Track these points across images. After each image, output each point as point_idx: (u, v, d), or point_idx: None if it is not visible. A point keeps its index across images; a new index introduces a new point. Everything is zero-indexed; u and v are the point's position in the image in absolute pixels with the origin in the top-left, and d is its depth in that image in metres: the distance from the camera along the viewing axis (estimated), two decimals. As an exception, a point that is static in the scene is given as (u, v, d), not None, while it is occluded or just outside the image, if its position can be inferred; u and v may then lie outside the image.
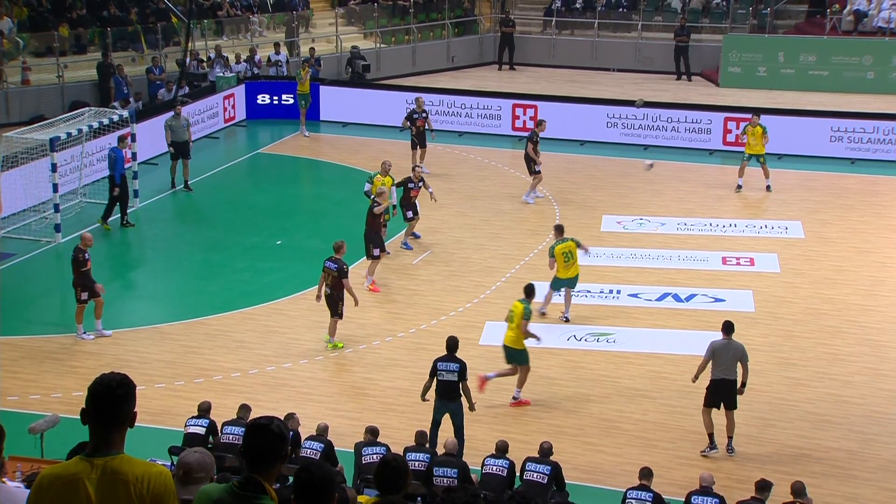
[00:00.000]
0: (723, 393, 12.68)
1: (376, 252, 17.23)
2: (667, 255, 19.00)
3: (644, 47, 33.00)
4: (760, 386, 14.43)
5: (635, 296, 17.31)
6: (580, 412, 13.81)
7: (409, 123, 22.97)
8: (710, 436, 12.79)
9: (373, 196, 17.79)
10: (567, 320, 16.32)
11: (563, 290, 16.39)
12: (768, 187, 22.26)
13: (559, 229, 16.49)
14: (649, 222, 20.65)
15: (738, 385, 12.72)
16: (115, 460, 4.06)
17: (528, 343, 13.89)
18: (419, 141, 22.90)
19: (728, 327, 12.86)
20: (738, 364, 12.73)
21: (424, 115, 23.00)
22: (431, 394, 12.65)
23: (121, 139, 20.31)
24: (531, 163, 21.54)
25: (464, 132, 26.37)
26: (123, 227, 20.20)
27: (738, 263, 18.68)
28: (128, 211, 20.39)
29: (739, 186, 22.31)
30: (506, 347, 13.94)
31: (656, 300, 17.12)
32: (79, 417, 4.20)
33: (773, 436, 13.32)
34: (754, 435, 13.31)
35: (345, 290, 15.12)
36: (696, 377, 12.91)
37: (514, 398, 13.93)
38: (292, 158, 25.09)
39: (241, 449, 4.36)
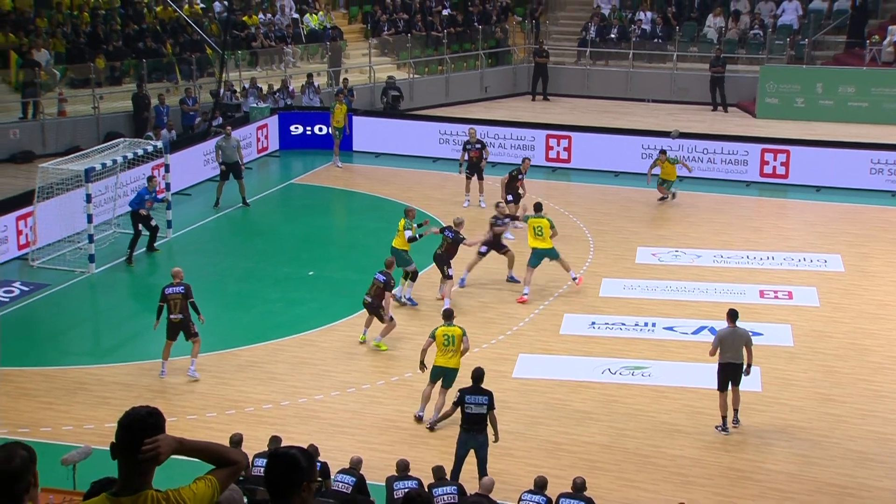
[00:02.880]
0: (731, 374, 13.90)
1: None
2: (703, 287, 18.86)
3: (679, 78, 32.96)
4: (800, 422, 14.27)
5: (671, 329, 17.19)
6: (615, 447, 13.70)
7: (465, 156, 22.98)
8: (724, 418, 13.96)
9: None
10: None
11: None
12: (673, 195, 23.51)
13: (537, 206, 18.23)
14: (685, 254, 20.53)
15: (745, 366, 13.84)
16: (142, 498, 4.06)
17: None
18: (474, 172, 22.90)
19: (733, 315, 14.05)
20: (744, 348, 13.88)
21: (479, 145, 23.04)
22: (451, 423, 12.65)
23: (149, 179, 20.42)
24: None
25: (497, 163, 26.42)
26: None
27: (776, 297, 18.50)
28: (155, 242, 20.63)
29: (672, 195, 23.54)
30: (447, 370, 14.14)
31: (692, 333, 16.98)
32: (107, 450, 4.22)
33: (814, 474, 13.13)
34: (794, 473, 13.13)
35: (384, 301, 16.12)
36: (712, 354, 14.07)
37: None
38: (325, 189, 25.25)
39: (263, 479, 4.37)
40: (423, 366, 14.22)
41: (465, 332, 14.21)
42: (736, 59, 33.00)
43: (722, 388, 13.95)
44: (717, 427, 14.00)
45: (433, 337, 14.17)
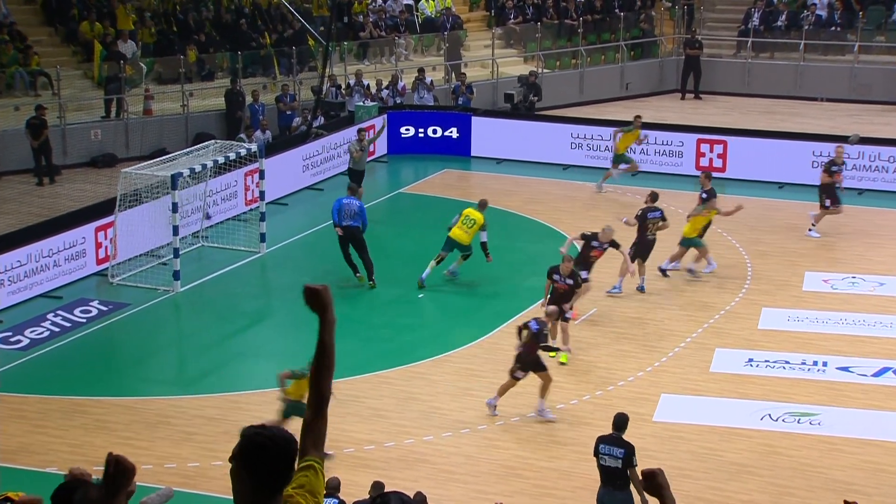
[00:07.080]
0: None
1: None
2: (886, 321, 18.40)
3: (861, 73, 32.29)
4: None
5: (846, 369, 16.83)
6: (776, 508, 13.44)
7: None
8: None
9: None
10: None
11: None
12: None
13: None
14: (864, 281, 20.07)
15: None
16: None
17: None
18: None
19: None
20: None
21: None
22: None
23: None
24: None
25: (638, 171, 26.19)
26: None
27: (977, 334, 17.90)
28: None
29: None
30: None
31: (872, 375, 16.64)
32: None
33: None
34: None
35: None
36: None
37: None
38: (438, 199, 25.41)
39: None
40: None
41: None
42: (931, 50, 32.15)
43: None
44: None
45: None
